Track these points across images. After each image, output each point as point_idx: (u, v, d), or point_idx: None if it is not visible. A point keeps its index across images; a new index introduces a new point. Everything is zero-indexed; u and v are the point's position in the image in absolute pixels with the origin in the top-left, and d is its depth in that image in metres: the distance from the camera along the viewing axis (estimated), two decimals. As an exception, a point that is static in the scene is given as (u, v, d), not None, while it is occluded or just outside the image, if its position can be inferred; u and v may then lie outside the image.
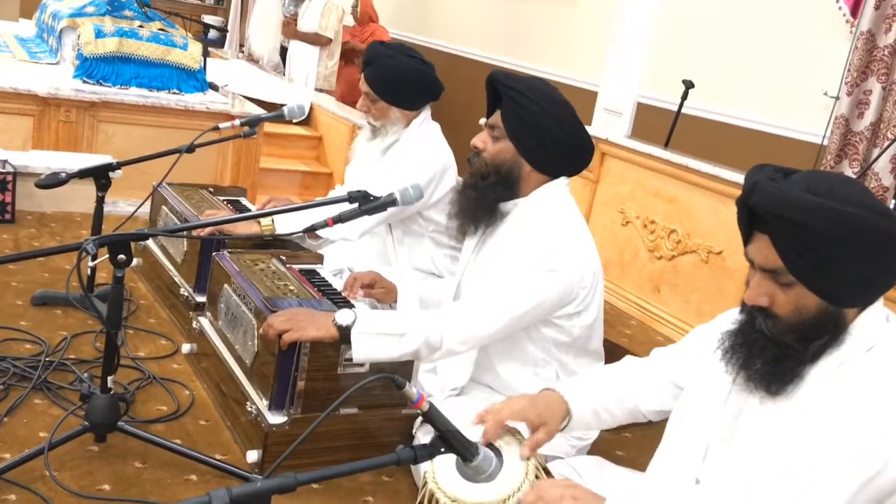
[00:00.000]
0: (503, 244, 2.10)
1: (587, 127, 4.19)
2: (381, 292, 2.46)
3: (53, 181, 2.43)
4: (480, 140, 2.12)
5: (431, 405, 1.43)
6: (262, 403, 2.02)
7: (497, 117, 2.09)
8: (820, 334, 1.38)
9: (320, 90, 7.30)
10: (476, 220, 2.12)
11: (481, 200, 2.10)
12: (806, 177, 1.37)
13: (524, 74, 2.17)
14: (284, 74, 7.55)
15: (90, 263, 1.78)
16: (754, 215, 1.39)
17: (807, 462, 1.31)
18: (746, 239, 1.44)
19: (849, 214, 1.30)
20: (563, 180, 2.13)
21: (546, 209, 2.09)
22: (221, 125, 2.71)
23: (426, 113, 2.83)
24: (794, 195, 1.33)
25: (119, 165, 2.59)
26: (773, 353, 1.40)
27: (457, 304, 2.08)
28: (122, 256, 1.83)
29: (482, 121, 2.29)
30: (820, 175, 1.39)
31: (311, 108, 6.68)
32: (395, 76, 2.72)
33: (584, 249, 2.09)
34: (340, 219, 2.05)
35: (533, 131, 2.04)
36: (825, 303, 1.36)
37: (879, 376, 1.33)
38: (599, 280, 2.13)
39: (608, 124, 5.10)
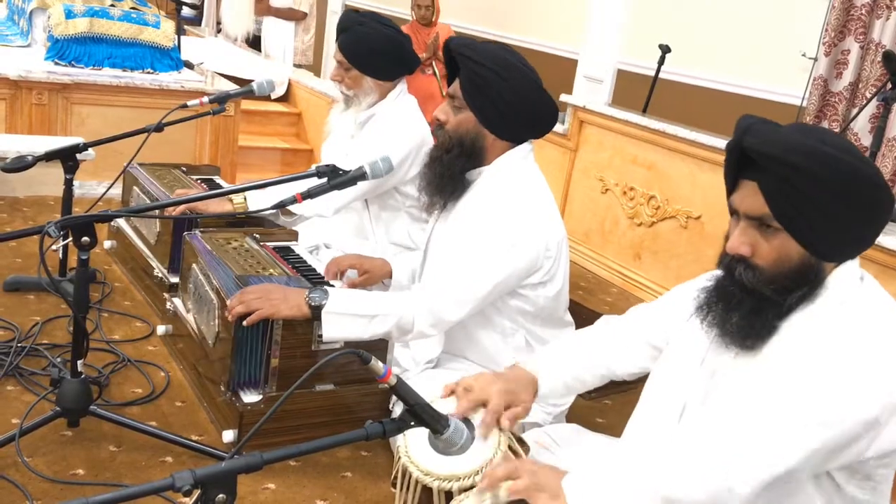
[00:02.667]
0: (467, 214, 2.08)
1: (568, 95, 4.18)
2: (364, 278, 2.42)
3: (20, 165, 2.39)
4: (442, 112, 2.09)
5: (399, 379, 1.41)
6: (223, 383, 2.01)
7: (456, 86, 2.07)
8: (799, 286, 1.36)
9: (299, 65, 7.21)
10: (444, 192, 2.10)
11: (447, 174, 2.07)
12: (797, 126, 1.38)
13: (484, 41, 2.13)
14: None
15: (54, 246, 1.74)
16: (744, 160, 1.37)
17: (770, 418, 1.31)
18: (731, 187, 1.42)
19: (842, 161, 1.30)
20: (526, 146, 2.11)
21: (508, 178, 2.07)
22: (190, 102, 2.66)
23: (402, 87, 2.79)
24: (790, 136, 1.33)
25: (86, 146, 2.55)
26: (749, 306, 1.39)
27: (426, 286, 2.05)
28: (85, 238, 1.79)
29: None
30: (810, 125, 1.39)
31: (290, 85, 6.61)
32: (369, 45, 2.68)
33: (547, 219, 2.07)
34: (309, 194, 2.02)
35: (490, 99, 2.02)
36: (807, 254, 1.35)
37: (846, 336, 1.32)
38: (564, 249, 2.11)
39: (589, 92, 5.06)
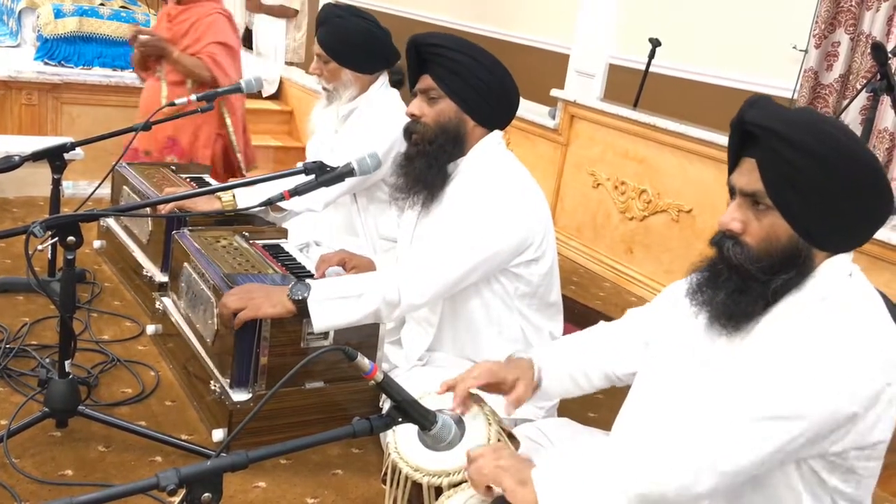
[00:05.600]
0: (452, 204, 2.07)
1: (559, 90, 4.18)
2: (353, 273, 2.41)
3: (7, 165, 2.38)
4: (416, 108, 2.08)
5: (386, 375, 1.41)
6: (224, 381, 2.00)
7: (428, 81, 2.06)
8: (786, 268, 1.36)
9: (290, 63, 7.20)
10: (430, 186, 2.08)
11: (434, 164, 2.06)
12: (803, 108, 1.40)
13: (443, 32, 2.14)
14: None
15: (40, 246, 1.73)
16: (745, 137, 1.37)
17: (740, 410, 1.31)
18: (732, 166, 1.42)
19: (842, 143, 1.31)
20: (497, 134, 2.12)
21: (488, 163, 2.07)
22: (177, 100, 2.65)
23: (383, 79, 2.79)
24: (793, 113, 1.35)
25: (74, 146, 2.54)
26: (736, 284, 1.38)
27: (410, 259, 2.04)
28: (71, 238, 1.78)
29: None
30: (813, 109, 1.40)
31: (281, 82, 6.59)
32: (346, 37, 2.68)
33: (532, 195, 2.08)
34: (297, 191, 2.02)
35: (470, 83, 2.02)
36: (797, 236, 1.35)
37: (824, 332, 1.31)
38: (550, 226, 2.12)
39: (581, 87, 5.05)
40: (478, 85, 2.02)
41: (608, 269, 3.74)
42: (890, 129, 3.97)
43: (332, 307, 1.90)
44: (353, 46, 2.67)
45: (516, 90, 2.11)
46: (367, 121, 2.70)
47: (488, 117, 2.08)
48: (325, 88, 2.79)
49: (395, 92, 2.81)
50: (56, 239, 1.80)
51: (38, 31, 4.88)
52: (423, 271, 1.96)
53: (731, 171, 1.43)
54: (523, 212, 2.02)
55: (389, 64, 2.77)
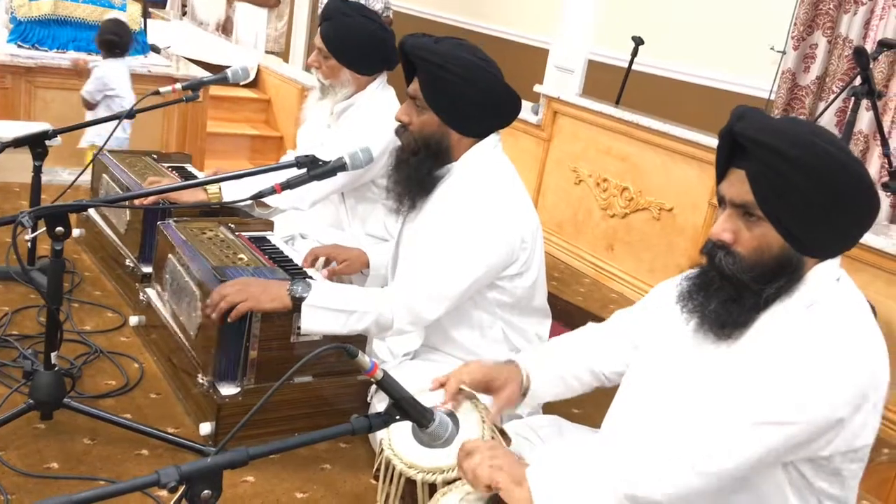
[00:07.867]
0: (438, 211, 2.06)
1: (538, 85, 4.19)
2: (344, 266, 2.40)
3: (-14, 151, 2.33)
4: (405, 113, 2.07)
5: (385, 373, 1.41)
6: (208, 376, 1.98)
7: (416, 87, 2.05)
8: (777, 277, 1.38)
9: (270, 52, 7.14)
10: (412, 193, 2.08)
11: (415, 176, 2.06)
12: (790, 118, 1.44)
13: (439, 37, 2.08)
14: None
15: (27, 237, 1.70)
16: (734, 147, 1.38)
17: (728, 414, 1.33)
18: (721, 176, 1.44)
19: (830, 153, 1.32)
20: (493, 137, 2.10)
21: (478, 172, 2.05)
22: (162, 89, 2.61)
23: (381, 79, 2.77)
24: (781, 125, 1.35)
25: (55, 133, 2.50)
26: (728, 293, 1.40)
27: (405, 284, 2.03)
28: (59, 229, 1.75)
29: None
30: (803, 119, 1.41)
31: (259, 70, 6.54)
32: (351, 36, 2.65)
33: (520, 210, 2.07)
34: (289, 185, 2.00)
35: (452, 99, 2.00)
36: (788, 245, 1.37)
37: (812, 338, 1.34)
38: (539, 238, 2.12)
39: (560, 82, 5.07)
40: (462, 103, 1.99)
41: (589, 265, 3.77)
42: (865, 131, 4.05)
43: (323, 316, 1.91)
44: (356, 46, 2.64)
45: (511, 101, 2.07)
46: (362, 119, 2.68)
47: (475, 130, 2.06)
48: (321, 82, 2.77)
49: (391, 91, 2.79)
50: (43, 229, 1.76)
51: (12, 13, 4.78)
52: (416, 304, 1.97)
53: (719, 180, 1.45)
54: (505, 232, 2.01)
55: (389, 67, 2.75)
